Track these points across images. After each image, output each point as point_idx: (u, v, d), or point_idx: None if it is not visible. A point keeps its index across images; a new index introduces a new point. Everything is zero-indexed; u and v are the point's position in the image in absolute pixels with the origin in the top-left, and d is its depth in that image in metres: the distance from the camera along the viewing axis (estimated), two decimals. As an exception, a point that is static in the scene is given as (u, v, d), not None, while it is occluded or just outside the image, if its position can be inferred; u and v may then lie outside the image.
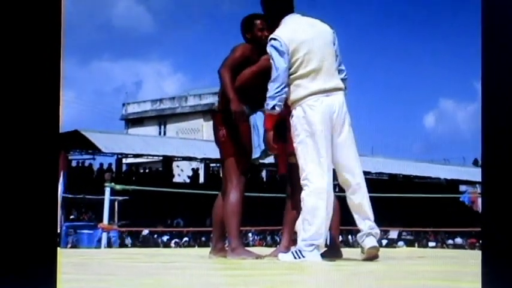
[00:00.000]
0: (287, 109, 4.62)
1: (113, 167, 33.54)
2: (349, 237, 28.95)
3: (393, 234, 31.45)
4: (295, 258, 4.38)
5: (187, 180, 37.29)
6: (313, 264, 4.20)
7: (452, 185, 39.41)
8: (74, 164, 33.11)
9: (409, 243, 29.61)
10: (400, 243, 30.43)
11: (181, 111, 46.93)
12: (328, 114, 4.45)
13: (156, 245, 24.29)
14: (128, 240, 22.59)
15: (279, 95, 4.45)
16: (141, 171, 37.69)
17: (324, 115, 4.44)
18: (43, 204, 2.36)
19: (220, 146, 4.87)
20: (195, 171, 37.76)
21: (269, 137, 4.57)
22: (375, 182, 34.79)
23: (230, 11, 63.23)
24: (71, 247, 13.62)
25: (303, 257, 4.36)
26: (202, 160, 36.04)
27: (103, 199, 12.29)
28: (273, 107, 4.46)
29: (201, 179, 37.43)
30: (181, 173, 39.11)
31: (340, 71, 4.64)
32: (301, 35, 4.51)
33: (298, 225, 4.55)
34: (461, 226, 26.38)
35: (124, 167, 36.58)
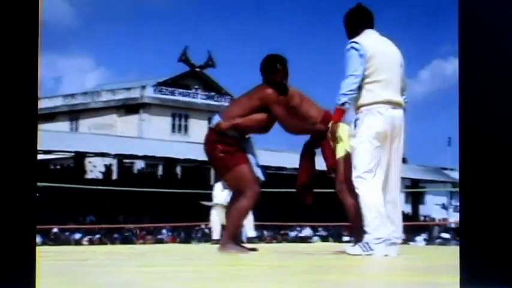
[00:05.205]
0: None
1: (23, 163, 32.81)
2: (264, 232, 29.20)
3: (305, 231, 31.87)
4: (363, 251, 4.75)
5: (100, 177, 36.84)
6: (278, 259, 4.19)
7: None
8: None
9: (323, 239, 30.13)
10: (315, 238, 30.89)
11: (94, 107, 46.31)
12: (391, 125, 4.85)
13: (68, 243, 23.93)
14: (39, 239, 22.16)
15: (351, 94, 4.82)
16: (52, 167, 37.05)
17: (387, 124, 4.84)
18: (19, 206, 2.27)
19: (219, 160, 5.24)
20: (108, 168, 37.36)
21: (335, 127, 4.92)
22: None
23: (161, 7, 62.62)
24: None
25: (371, 249, 4.73)
26: (115, 156, 35.69)
27: (13, 196, 12.01)
28: (344, 103, 4.85)
29: (114, 176, 37.04)
30: (94, 169, 38.60)
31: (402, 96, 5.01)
32: (379, 46, 4.91)
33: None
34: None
35: (34, 164, 35.78)
